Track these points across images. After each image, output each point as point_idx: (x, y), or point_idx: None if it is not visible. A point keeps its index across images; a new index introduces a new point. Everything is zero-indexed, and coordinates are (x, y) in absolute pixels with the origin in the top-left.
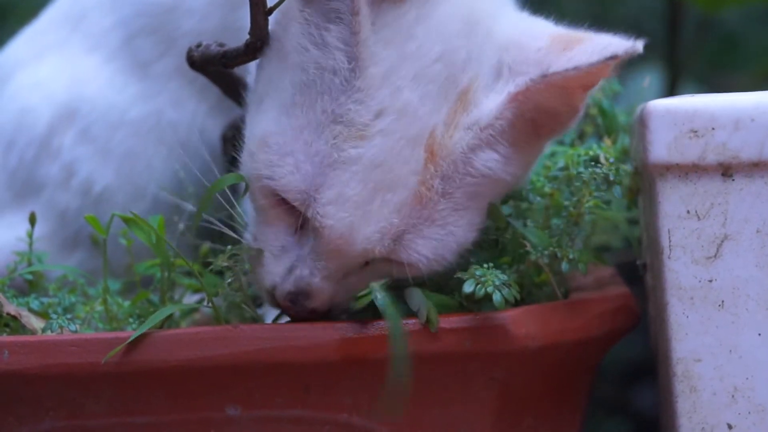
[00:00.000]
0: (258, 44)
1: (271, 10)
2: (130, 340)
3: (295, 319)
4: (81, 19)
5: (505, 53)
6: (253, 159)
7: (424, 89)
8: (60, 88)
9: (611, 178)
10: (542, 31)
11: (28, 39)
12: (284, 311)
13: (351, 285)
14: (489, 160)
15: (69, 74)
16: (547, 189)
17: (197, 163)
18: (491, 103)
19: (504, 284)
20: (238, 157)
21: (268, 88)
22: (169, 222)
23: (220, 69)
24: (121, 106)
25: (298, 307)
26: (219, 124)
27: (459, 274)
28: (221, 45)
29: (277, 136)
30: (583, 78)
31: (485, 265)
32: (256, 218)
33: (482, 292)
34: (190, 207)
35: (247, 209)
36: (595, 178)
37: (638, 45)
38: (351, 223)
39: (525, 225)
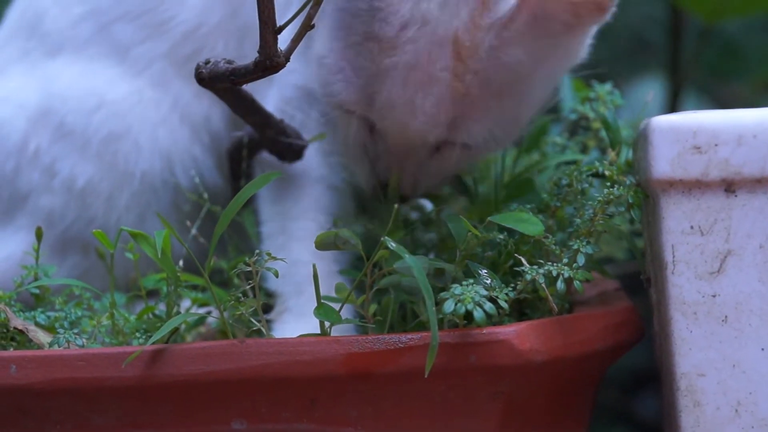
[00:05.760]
0: (267, 62)
1: (280, 29)
2: (137, 353)
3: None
4: (37, 22)
5: None
6: (317, 81)
7: None
8: (30, 95)
9: (630, 201)
10: None
11: None
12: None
13: (431, 170)
14: (517, 54)
15: (36, 79)
16: (551, 204)
17: (181, 143)
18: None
19: (487, 298)
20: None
21: (322, 15)
22: (160, 198)
23: (228, 86)
24: (98, 90)
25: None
26: (206, 106)
27: (441, 294)
28: (230, 62)
29: (328, 57)
30: None
31: (465, 282)
32: (344, 125)
33: (462, 309)
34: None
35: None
36: (610, 200)
37: None
38: (403, 120)
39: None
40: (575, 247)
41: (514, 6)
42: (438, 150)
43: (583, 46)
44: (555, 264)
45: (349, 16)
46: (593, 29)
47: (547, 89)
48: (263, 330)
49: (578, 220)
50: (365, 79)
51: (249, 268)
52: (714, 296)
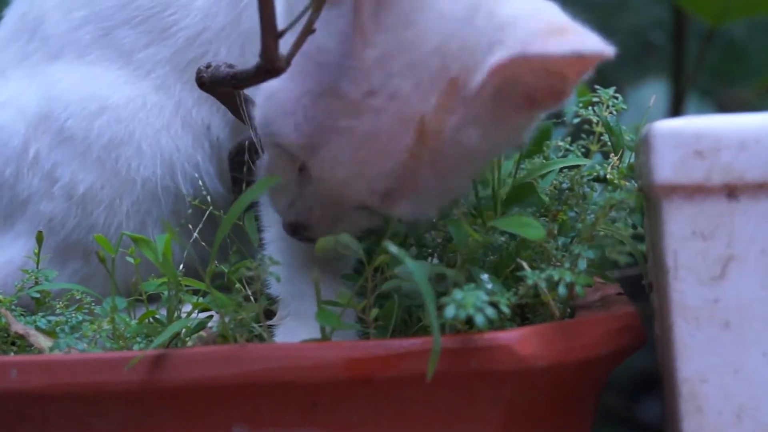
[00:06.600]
0: (268, 66)
1: (281, 34)
2: (138, 359)
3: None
4: (37, 26)
5: (500, 32)
6: (261, 112)
7: (416, 78)
8: (31, 100)
9: (632, 205)
10: (544, 15)
11: None
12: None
13: (348, 222)
14: (473, 135)
15: (37, 83)
16: (553, 208)
17: (183, 149)
18: (476, 78)
19: (488, 303)
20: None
21: None
22: (161, 205)
23: (229, 90)
24: (100, 95)
25: (298, 235)
26: (207, 113)
27: (442, 299)
28: (231, 66)
29: (281, 95)
30: (558, 64)
31: (466, 287)
32: (268, 154)
33: (464, 315)
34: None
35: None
36: (612, 205)
37: (608, 50)
38: (344, 180)
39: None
40: (577, 251)
41: (480, 81)
42: (362, 208)
43: (526, 134)
44: (557, 268)
45: (313, 64)
46: (538, 119)
47: (478, 170)
48: (264, 335)
49: (580, 225)
50: (315, 129)
51: (251, 273)
52: (716, 301)
